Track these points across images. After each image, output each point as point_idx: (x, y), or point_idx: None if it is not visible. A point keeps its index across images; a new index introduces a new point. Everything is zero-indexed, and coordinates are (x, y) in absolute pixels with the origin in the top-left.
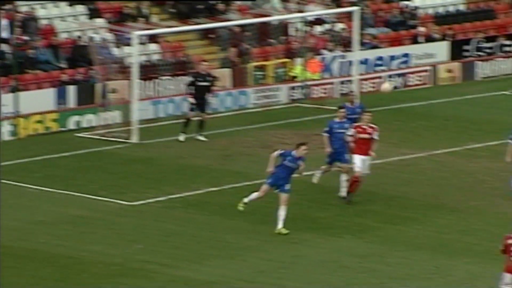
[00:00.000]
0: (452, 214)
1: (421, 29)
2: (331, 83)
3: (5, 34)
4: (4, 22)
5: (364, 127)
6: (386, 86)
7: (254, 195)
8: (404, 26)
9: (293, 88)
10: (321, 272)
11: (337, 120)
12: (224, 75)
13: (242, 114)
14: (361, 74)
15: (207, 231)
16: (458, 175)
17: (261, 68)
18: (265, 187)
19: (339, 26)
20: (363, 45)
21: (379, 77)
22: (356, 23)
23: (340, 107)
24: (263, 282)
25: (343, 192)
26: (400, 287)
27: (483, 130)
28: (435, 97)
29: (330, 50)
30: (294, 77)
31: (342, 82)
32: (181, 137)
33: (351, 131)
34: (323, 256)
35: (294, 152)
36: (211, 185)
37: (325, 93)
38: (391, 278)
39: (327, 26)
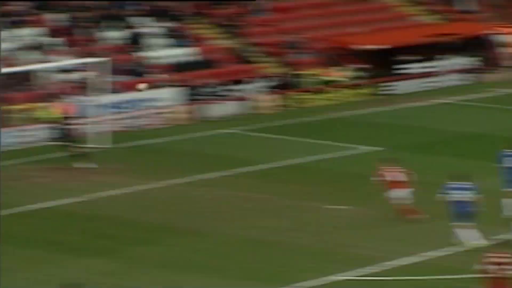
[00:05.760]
0: (183, 236)
1: (160, 76)
2: (83, 124)
3: None
4: None
5: None
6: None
7: None
8: (140, 74)
9: (49, 128)
10: None
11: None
12: None
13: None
14: (108, 116)
15: None
16: (190, 202)
17: (16, 111)
18: None
19: (88, 73)
20: (109, 90)
21: (125, 119)
22: (103, 71)
23: None
24: None
25: None
26: None
27: (214, 163)
28: (173, 135)
29: (80, 95)
30: (49, 119)
31: (92, 123)
32: None
33: None
34: (73, 274)
35: None
36: None
37: (79, 133)
38: None
39: (77, 74)
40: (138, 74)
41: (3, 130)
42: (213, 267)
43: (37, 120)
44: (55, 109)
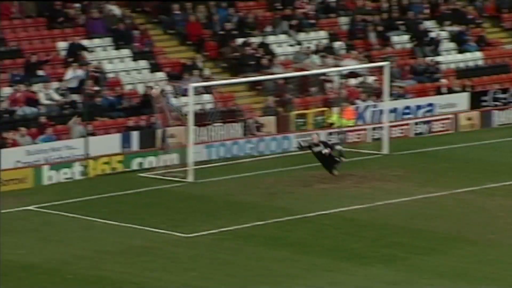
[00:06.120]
0: (472, 246)
1: (444, 81)
2: (364, 130)
3: (75, 85)
4: (73, 73)
5: None
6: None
7: None
8: (428, 78)
9: (330, 133)
10: None
11: None
12: (269, 122)
13: (285, 157)
14: (391, 122)
15: (254, 260)
16: (477, 211)
17: (302, 115)
18: None
19: (371, 78)
20: (392, 95)
21: (407, 124)
22: (386, 76)
23: None
24: None
25: None
26: None
27: (499, 171)
28: (457, 142)
29: (363, 100)
30: (332, 124)
31: (374, 129)
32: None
33: None
34: (357, 283)
35: None
36: (258, 219)
37: (358, 138)
38: None
39: (360, 79)
40: (423, 78)
41: (291, 134)
42: (508, 280)
43: (330, 126)
44: (338, 114)
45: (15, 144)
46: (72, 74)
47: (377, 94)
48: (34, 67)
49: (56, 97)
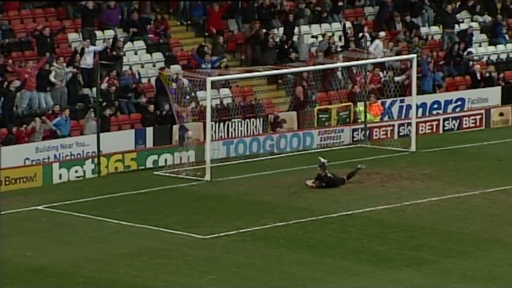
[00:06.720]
0: (504, 248)
1: (478, 66)
2: (391, 126)
3: (90, 62)
4: (88, 49)
5: None
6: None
7: None
8: (459, 72)
9: (355, 130)
10: None
11: None
12: (291, 117)
13: (308, 154)
14: (419, 118)
15: (274, 263)
16: (510, 212)
17: (325, 111)
18: None
19: (395, 72)
20: (416, 90)
21: (436, 120)
22: (414, 69)
23: None
24: None
25: None
26: None
27: None
28: (488, 138)
29: (388, 95)
30: (356, 119)
31: (401, 125)
32: None
33: None
34: (382, 287)
35: None
36: (278, 220)
37: (385, 134)
38: None
39: (385, 72)
40: (452, 71)
41: (313, 130)
42: None
43: (355, 121)
44: (364, 109)
45: (27, 133)
46: (87, 49)
47: (400, 88)
48: (46, 42)
49: (68, 70)
